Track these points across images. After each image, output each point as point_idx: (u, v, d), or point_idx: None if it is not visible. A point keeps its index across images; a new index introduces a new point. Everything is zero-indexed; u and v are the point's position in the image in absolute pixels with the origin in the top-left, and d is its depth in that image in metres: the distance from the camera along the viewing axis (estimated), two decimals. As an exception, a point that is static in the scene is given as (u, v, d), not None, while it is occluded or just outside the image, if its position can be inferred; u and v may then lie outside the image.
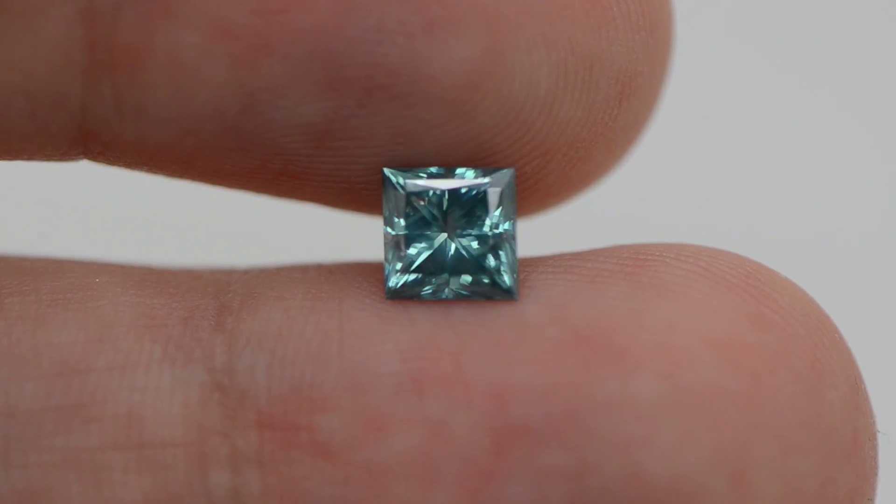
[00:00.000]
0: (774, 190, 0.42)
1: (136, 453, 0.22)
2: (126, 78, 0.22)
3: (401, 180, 0.22)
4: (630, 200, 0.39)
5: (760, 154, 0.43)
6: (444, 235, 0.22)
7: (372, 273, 0.23)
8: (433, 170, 0.22)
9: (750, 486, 0.21)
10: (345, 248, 0.27)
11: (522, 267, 0.23)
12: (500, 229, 0.22)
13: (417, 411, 0.21)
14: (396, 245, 0.22)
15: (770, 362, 0.21)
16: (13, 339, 0.22)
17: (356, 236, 0.26)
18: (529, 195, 0.23)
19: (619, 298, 0.22)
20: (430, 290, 0.22)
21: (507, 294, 0.22)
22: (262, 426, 0.22)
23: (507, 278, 0.22)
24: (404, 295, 0.22)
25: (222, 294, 0.23)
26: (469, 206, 0.22)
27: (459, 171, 0.22)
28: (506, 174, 0.22)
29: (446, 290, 0.22)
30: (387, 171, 0.22)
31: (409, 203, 0.22)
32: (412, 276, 0.22)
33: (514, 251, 0.22)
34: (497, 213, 0.22)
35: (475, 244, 0.22)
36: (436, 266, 0.22)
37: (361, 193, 0.23)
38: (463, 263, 0.22)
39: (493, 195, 0.22)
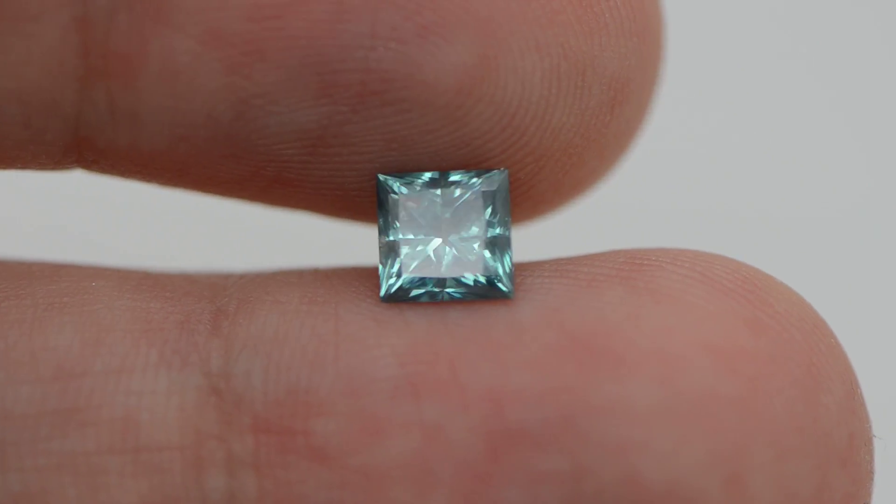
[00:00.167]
0: (772, 193, 0.42)
1: (132, 457, 0.22)
2: (120, 84, 0.22)
3: (395, 185, 0.22)
4: (627, 205, 0.39)
5: (758, 156, 0.43)
6: (438, 240, 0.22)
7: (367, 277, 0.23)
8: (427, 175, 0.23)
9: (746, 491, 0.21)
10: (341, 254, 0.27)
11: (519, 271, 0.23)
12: (495, 229, 0.22)
13: (413, 415, 0.21)
14: (391, 250, 0.22)
15: (766, 367, 0.21)
16: (9, 342, 0.22)
17: (352, 242, 0.26)
18: (523, 202, 0.23)
19: (616, 303, 0.22)
20: (426, 293, 0.22)
21: (503, 294, 0.22)
22: (259, 430, 0.22)
23: (502, 277, 0.22)
24: (400, 298, 0.22)
25: (218, 298, 0.23)
26: (463, 209, 0.22)
27: (453, 174, 0.22)
28: (499, 175, 0.22)
29: (442, 292, 0.22)
30: (381, 176, 0.22)
31: (403, 208, 0.22)
32: (407, 280, 0.22)
33: (509, 250, 0.22)
34: (491, 213, 0.22)
35: (469, 244, 0.22)
36: (431, 269, 0.22)
37: (355, 200, 0.23)
38: (458, 265, 0.22)
39: (487, 196, 0.22)
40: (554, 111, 0.22)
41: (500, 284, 0.22)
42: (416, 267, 0.22)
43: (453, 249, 0.22)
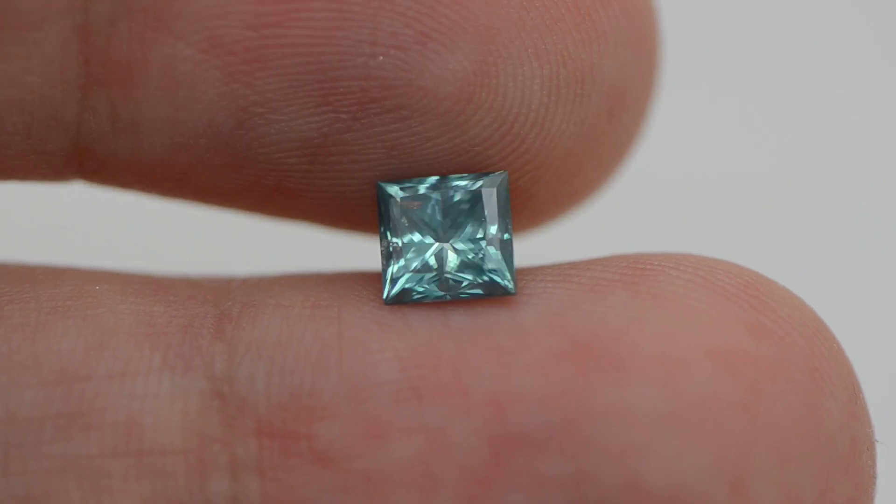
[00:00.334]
0: (772, 197, 0.42)
1: (135, 461, 0.22)
2: (121, 93, 0.22)
3: (395, 190, 0.23)
4: (628, 210, 0.39)
5: (758, 162, 0.43)
6: (439, 242, 0.22)
7: (370, 281, 0.23)
8: (427, 180, 0.23)
9: (748, 496, 0.21)
10: (344, 258, 0.27)
11: (521, 275, 0.23)
12: (496, 229, 0.22)
13: (416, 419, 0.21)
14: (393, 252, 0.23)
15: (769, 372, 0.21)
16: (13, 346, 0.22)
17: (354, 246, 0.26)
18: (522, 211, 0.24)
19: (618, 307, 0.22)
20: (429, 294, 0.22)
21: (506, 290, 0.22)
22: (262, 434, 0.22)
23: (504, 275, 0.22)
24: (403, 300, 0.22)
25: (222, 302, 0.23)
26: (463, 210, 0.22)
27: (453, 178, 0.23)
28: (498, 177, 0.23)
29: (445, 293, 0.22)
30: (381, 182, 0.23)
31: (403, 211, 0.22)
32: (410, 281, 0.22)
33: (510, 248, 0.22)
34: (491, 214, 0.22)
35: (471, 245, 0.22)
36: (433, 270, 0.22)
37: (356, 209, 0.23)
38: (460, 265, 0.22)
39: (487, 195, 0.22)
40: (553, 119, 0.22)
41: (502, 281, 0.22)
42: (418, 268, 0.22)
43: (454, 250, 0.22)
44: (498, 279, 0.22)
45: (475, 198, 0.22)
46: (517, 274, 0.23)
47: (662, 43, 0.24)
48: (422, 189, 0.23)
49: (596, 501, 0.21)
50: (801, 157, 0.43)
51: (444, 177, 0.23)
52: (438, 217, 0.22)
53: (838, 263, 0.41)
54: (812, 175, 0.43)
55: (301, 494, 0.22)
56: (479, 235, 0.22)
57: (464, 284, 0.22)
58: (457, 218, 0.22)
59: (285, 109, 0.22)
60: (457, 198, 0.22)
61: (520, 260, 0.23)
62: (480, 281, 0.22)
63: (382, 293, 0.23)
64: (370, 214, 0.23)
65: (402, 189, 0.23)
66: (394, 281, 0.22)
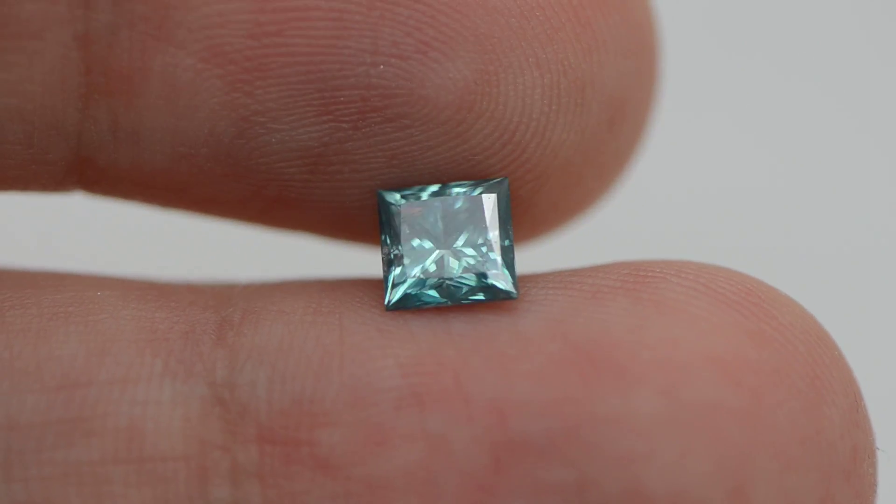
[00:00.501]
0: (773, 205, 0.42)
1: (136, 467, 0.22)
2: (122, 102, 0.22)
3: (396, 197, 0.23)
4: (630, 218, 0.39)
5: (758, 170, 0.43)
6: (440, 248, 0.22)
7: (372, 288, 0.23)
8: (428, 188, 0.23)
9: (749, 502, 0.21)
10: (345, 265, 0.27)
11: (523, 283, 0.23)
12: (497, 235, 0.22)
13: (418, 426, 0.21)
14: (394, 259, 0.23)
15: (770, 379, 0.21)
16: (14, 352, 0.22)
17: (356, 253, 0.26)
18: (523, 220, 0.24)
19: (620, 314, 0.22)
20: (430, 300, 0.22)
21: (508, 294, 0.22)
22: (263, 440, 0.22)
23: (506, 279, 0.22)
24: (404, 306, 0.22)
25: (223, 308, 0.23)
26: (464, 216, 0.22)
27: (454, 185, 0.23)
28: (499, 183, 0.23)
29: (446, 298, 0.22)
30: (381, 191, 0.23)
31: (404, 218, 0.23)
32: (411, 287, 0.22)
33: (511, 254, 0.22)
34: (492, 219, 0.22)
35: (472, 250, 0.22)
36: (434, 275, 0.22)
37: (357, 219, 0.23)
38: (461, 271, 0.22)
39: (488, 202, 0.22)
40: (554, 128, 0.22)
41: (504, 286, 0.22)
42: (419, 274, 0.22)
43: (455, 256, 0.22)
44: (500, 284, 0.22)
45: (476, 204, 0.23)
46: (518, 281, 0.23)
47: (662, 52, 0.24)
48: (423, 196, 0.23)
49: (597, 508, 0.21)
50: (801, 165, 0.43)
51: (444, 184, 0.23)
52: (439, 224, 0.23)
53: (839, 271, 0.41)
54: (813, 183, 0.43)
55: (302, 501, 0.22)
56: (480, 241, 0.22)
57: (465, 290, 0.22)
58: (458, 224, 0.23)
59: (286, 118, 0.22)
60: (457, 204, 0.23)
61: (521, 268, 0.23)
62: (482, 286, 0.22)
63: (384, 299, 0.23)
64: (371, 224, 0.23)
65: (402, 197, 0.23)
66: (395, 287, 0.22)
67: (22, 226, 0.38)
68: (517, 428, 0.21)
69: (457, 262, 0.22)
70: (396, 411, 0.22)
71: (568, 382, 0.21)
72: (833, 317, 0.24)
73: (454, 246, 0.23)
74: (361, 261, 0.27)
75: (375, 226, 0.23)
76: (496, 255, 0.22)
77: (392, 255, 0.23)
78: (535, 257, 0.26)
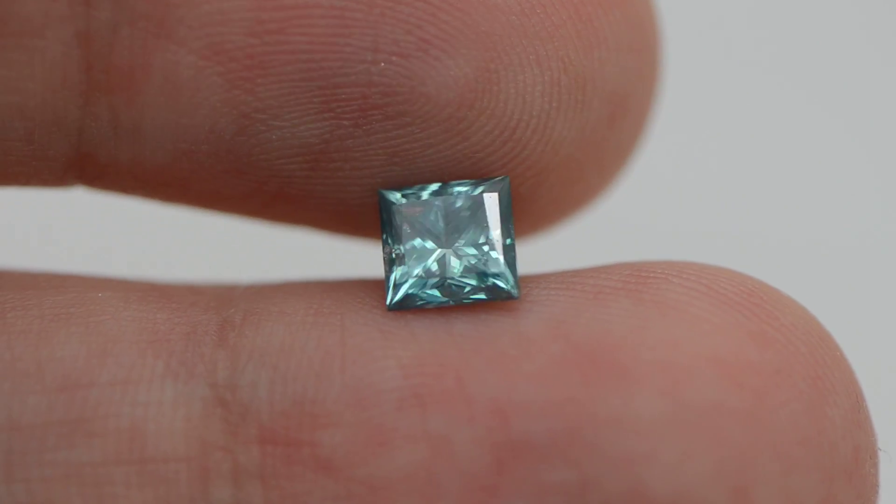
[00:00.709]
0: (775, 204, 0.42)
1: (138, 468, 0.22)
2: (123, 99, 0.22)
3: (396, 197, 0.23)
4: (630, 217, 0.39)
5: (760, 169, 0.43)
6: (442, 247, 0.22)
7: (373, 288, 0.23)
8: (429, 187, 0.23)
9: (751, 503, 0.21)
10: (347, 265, 0.27)
11: (524, 283, 0.23)
12: (498, 235, 0.22)
13: (419, 427, 0.21)
14: (396, 259, 0.23)
15: (772, 380, 0.21)
16: (16, 353, 0.22)
17: (358, 253, 0.26)
18: (524, 217, 0.24)
19: (622, 315, 0.22)
20: (432, 300, 0.22)
21: (509, 295, 0.22)
22: (265, 441, 0.22)
23: (508, 279, 0.22)
24: (406, 306, 0.22)
25: (225, 309, 0.23)
26: (465, 216, 0.22)
27: (454, 184, 0.23)
28: (500, 182, 0.23)
29: (448, 298, 0.22)
30: (382, 190, 0.23)
31: (405, 217, 0.23)
32: (413, 287, 0.22)
33: (512, 253, 0.22)
34: (493, 218, 0.22)
35: (473, 250, 0.22)
36: (435, 275, 0.22)
37: (357, 216, 0.23)
38: (462, 271, 0.22)
39: (489, 201, 0.23)
40: (554, 125, 0.22)
41: (506, 286, 0.22)
42: (420, 274, 0.22)
43: (457, 256, 0.22)
44: (501, 283, 0.22)
45: (477, 203, 0.23)
46: (520, 281, 0.23)
47: (663, 48, 0.24)
48: (423, 195, 0.23)
49: (599, 508, 0.21)
50: (804, 163, 0.43)
51: (445, 183, 0.23)
52: (441, 223, 0.23)
53: (841, 271, 0.41)
54: (815, 182, 0.43)
55: (304, 502, 0.22)
56: (481, 241, 0.22)
57: (467, 290, 0.22)
58: (459, 224, 0.23)
59: (287, 116, 0.22)
60: (458, 204, 0.23)
61: (522, 266, 0.23)
62: (484, 286, 0.22)
63: (385, 300, 0.23)
64: (372, 220, 0.23)
65: (403, 196, 0.23)
66: (397, 287, 0.22)
67: (23, 222, 0.38)
68: (519, 428, 0.21)
69: (458, 262, 0.22)
70: (398, 412, 0.22)
71: (570, 383, 0.21)
72: (835, 317, 0.24)
73: (456, 245, 0.23)
74: (363, 260, 0.27)
75: (377, 221, 0.23)
76: (498, 255, 0.22)
77: (394, 255, 0.23)
78: (536, 256, 0.26)
